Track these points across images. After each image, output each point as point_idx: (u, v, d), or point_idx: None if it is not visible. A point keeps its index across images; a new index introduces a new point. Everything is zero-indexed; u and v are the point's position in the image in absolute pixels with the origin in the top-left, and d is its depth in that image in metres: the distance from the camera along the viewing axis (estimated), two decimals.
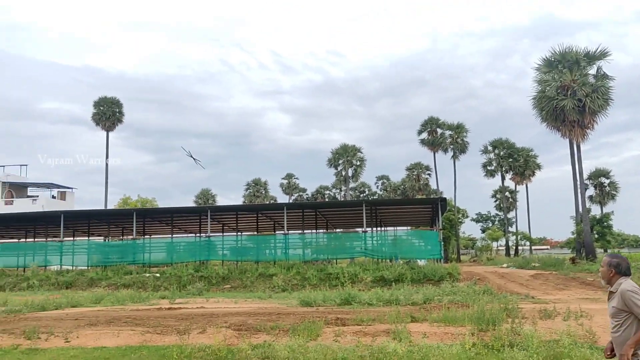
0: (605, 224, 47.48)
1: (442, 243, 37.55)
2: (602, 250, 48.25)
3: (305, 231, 42.82)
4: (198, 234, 44.14)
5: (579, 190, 40.52)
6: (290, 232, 40.87)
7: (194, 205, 77.80)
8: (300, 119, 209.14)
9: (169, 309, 18.52)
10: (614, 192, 65.77)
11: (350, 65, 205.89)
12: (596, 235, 45.70)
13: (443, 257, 36.19)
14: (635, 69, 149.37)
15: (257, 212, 41.33)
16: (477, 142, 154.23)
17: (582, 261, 36.68)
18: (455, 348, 10.03)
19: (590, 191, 65.20)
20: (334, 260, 38.59)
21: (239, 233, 48.31)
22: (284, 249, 34.15)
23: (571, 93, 37.79)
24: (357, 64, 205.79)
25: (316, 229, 43.61)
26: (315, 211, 40.80)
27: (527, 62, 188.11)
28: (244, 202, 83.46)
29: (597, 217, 48.30)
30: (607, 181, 65.88)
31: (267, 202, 78.85)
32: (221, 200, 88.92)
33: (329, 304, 18.74)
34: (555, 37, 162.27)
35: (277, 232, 44.21)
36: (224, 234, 46.32)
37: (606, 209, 61.86)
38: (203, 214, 39.56)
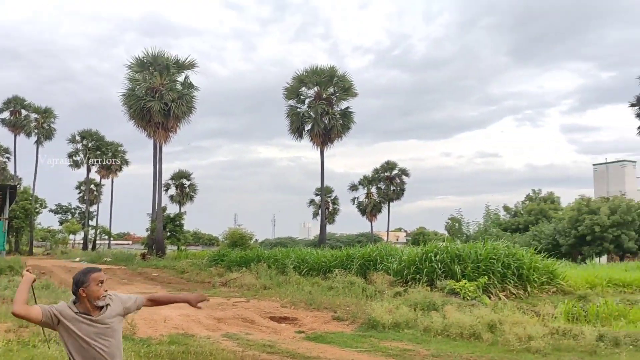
0: (177, 222, 50.74)
1: (7, 234, 34.60)
2: (176, 248, 51.49)
3: None
4: None
5: (157, 189, 42.65)
6: None
7: None
8: None
9: None
10: (193, 194, 70.52)
11: None
12: (168, 233, 48.56)
13: (6, 249, 33.18)
14: (229, 82, 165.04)
15: None
16: (70, 129, 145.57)
17: (152, 257, 38.55)
18: None
19: (172, 191, 68.98)
20: None
21: None
22: None
23: (159, 96, 39.46)
24: None
25: None
26: None
27: (131, 55, 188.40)
28: None
29: (171, 215, 51.33)
30: (187, 182, 70.25)
31: None
32: None
33: None
34: (162, 37, 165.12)
35: None
36: None
37: (185, 209, 66.29)
38: None
